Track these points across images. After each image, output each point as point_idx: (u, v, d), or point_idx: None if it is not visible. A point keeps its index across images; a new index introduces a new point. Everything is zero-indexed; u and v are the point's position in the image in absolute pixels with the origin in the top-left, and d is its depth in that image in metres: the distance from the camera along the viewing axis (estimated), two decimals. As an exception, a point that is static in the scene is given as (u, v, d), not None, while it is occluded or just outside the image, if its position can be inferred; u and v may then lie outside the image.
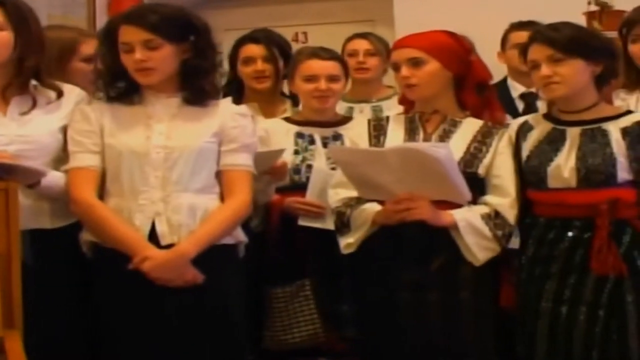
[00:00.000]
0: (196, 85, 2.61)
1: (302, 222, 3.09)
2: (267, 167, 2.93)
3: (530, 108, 3.62)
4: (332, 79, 3.18)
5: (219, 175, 2.64)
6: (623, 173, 2.63)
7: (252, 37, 3.55)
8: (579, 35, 2.68)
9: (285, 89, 3.56)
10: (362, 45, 3.96)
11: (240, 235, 2.69)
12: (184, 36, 2.58)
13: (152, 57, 2.54)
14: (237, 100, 3.21)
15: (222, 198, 2.63)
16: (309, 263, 3.10)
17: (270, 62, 3.47)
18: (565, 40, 2.64)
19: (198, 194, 2.58)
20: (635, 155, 2.62)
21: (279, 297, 3.10)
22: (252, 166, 2.67)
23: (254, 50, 3.50)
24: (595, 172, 2.62)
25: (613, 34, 3.12)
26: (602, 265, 2.59)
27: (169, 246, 2.53)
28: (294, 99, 3.43)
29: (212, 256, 2.53)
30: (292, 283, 3.09)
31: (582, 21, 3.74)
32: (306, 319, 3.08)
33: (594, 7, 3.85)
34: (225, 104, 2.72)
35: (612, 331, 2.60)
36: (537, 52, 2.68)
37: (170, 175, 2.55)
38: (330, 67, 3.19)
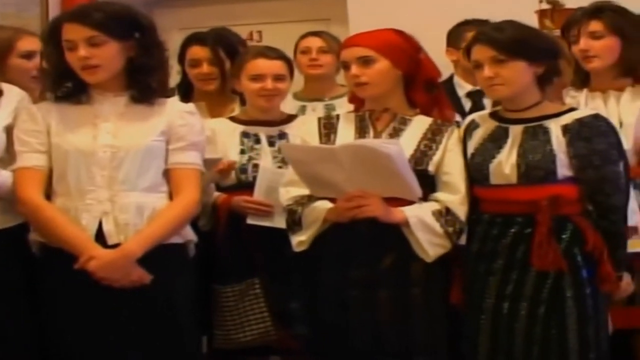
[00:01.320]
0: (143, 83, 2.60)
1: (250, 221, 3.09)
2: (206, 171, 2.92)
3: (477, 106, 3.63)
4: (278, 78, 3.18)
5: (167, 173, 2.63)
6: (563, 169, 2.65)
7: (198, 38, 3.52)
8: (522, 37, 2.69)
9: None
10: (315, 42, 3.95)
11: (190, 234, 2.69)
12: (129, 33, 2.58)
13: (95, 54, 2.54)
14: (186, 100, 3.20)
15: (171, 197, 2.63)
16: (259, 261, 3.10)
17: (215, 64, 3.45)
18: (508, 42, 2.65)
19: (146, 193, 2.57)
20: (575, 151, 2.64)
21: (229, 296, 3.10)
22: (201, 164, 2.67)
23: (199, 52, 3.48)
24: (535, 168, 2.64)
25: (565, 33, 3.15)
26: (542, 261, 2.60)
27: (116, 246, 2.52)
28: (243, 98, 3.41)
29: (160, 255, 2.53)
30: (242, 281, 3.10)
31: (534, 19, 3.75)
32: (257, 317, 3.08)
33: (545, 6, 3.86)
34: (173, 102, 2.72)
35: (552, 326, 2.62)
36: (480, 52, 2.69)
37: (117, 175, 2.55)
38: (276, 66, 3.19)
